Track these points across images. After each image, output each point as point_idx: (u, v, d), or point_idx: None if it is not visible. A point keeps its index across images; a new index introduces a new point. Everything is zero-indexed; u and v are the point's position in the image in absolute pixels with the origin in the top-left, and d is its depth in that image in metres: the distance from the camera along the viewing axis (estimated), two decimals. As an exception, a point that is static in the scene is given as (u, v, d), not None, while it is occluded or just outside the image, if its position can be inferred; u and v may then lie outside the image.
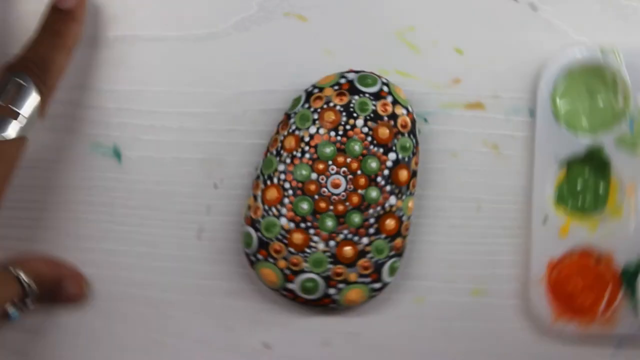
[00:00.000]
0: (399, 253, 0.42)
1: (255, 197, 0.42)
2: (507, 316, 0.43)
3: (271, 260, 0.41)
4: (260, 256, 0.42)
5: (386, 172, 0.41)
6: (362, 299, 0.42)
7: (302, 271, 0.41)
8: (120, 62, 0.44)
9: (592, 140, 0.43)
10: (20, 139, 0.39)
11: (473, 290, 0.43)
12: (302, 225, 0.41)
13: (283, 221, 0.41)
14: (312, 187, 0.41)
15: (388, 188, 0.41)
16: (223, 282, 0.44)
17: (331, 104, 0.42)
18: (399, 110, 0.42)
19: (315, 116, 0.42)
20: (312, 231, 0.41)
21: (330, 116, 0.42)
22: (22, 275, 0.41)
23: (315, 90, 0.42)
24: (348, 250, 0.41)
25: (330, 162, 0.41)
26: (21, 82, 0.39)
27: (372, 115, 0.41)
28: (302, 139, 0.42)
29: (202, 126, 0.44)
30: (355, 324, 0.43)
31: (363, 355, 0.43)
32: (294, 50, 0.44)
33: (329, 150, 0.41)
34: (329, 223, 0.41)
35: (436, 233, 0.43)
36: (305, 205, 0.41)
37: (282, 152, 0.42)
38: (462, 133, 0.44)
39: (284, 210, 0.41)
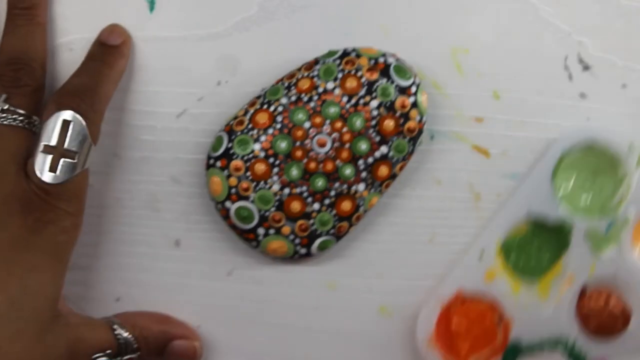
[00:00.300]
0: (338, 236, 0.42)
1: (246, 112, 0.42)
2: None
3: (226, 172, 0.41)
4: (218, 164, 0.42)
5: (370, 159, 0.42)
6: (282, 253, 0.42)
7: (246, 198, 0.41)
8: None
9: (567, 217, 0.42)
10: (82, 173, 0.39)
11: (380, 307, 0.44)
12: (270, 160, 0.41)
13: (256, 146, 0.41)
14: (299, 132, 0.41)
15: (363, 174, 0.42)
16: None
17: (359, 74, 0.42)
18: (414, 114, 0.42)
19: (340, 75, 0.42)
20: (275, 170, 0.41)
21: (352, 82, 0.42)
22: (119, 328, 0.40)
23: (353, 54, 0.42)
24: (295, 204, 0.41)
25: (327, 121, 0.41)
26: (68, 119, 0.39)
27: (388, 104, 0.41)
28: (316, 87, 0.42)
29: (202, 126, 0.43)
30: (265, 274, 0.44)
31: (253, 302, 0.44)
32: (294, 50, 0.44)
33: (332, 110, 0.41)
34: (294, 172, 0.41)
35: (378, 239, 0.44)
36: (283, 144, 0.41)
37: (292, 88, 0.42)
38: (455, 169, 0.44)
39: (262, 138, 0.41)
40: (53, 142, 0.38)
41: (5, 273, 0.37)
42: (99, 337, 0.39)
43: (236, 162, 0.41)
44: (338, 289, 0.44)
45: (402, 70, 0.42)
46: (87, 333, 0.39)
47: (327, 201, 0.42)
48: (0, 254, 0.37)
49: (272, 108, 0.42)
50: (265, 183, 0.41)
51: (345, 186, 0.42)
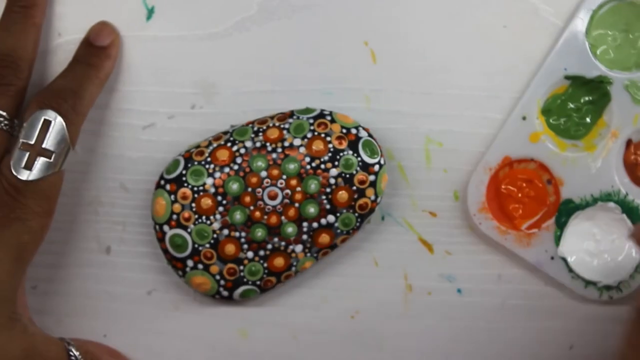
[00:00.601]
0: (263, 289, 0.42)
1: (209, 144, 0.42)
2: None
3: (172, 197, 0.41)
4: (168, 187, 0.41)
5: (315, 224, 0.41)
6: (204, 290, 0.42)
7: (185, 227, 0.41)
8: (120, 62, 0.43)
9: (605, 72, 0.43)
10: (56, 174, 0.39)
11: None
12: (218, 198, 0.41)
13: (209, 181, 0.41)
14: (254, 179, 0.41)
15: (304, 237, 0.42)
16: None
17: (328, 139, 0.41)
18: (370, 193, 0.41)
19: (309, 135, 0.42)
20: (220, 208, 0.41)
21: (319, 145, 0.41)
22: (73, 350, 0.39)
23: (328, 117, 0.42)
24: (230, 247, 0.41)
25: (284, 176, 0.41)
26: (49, 119, 0.39)
27: (347, 176, 0.41)
28: (284, 139, 0.42)
29: (202, 126, 0.43)
30: (183, 303, 0.44)
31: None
32: (294, 50, 0.43)
33: (292, 167, 0.41)
34: (238, 216, 0.41)
35: (297, 301, 0.44)
36: (235, 186, 0.41)
37: (260, 134, 0.42)
38: (396, 255, 0.44)
39: (217, 174, 0.41)
40: (32, 140, 0.39)
41: None
42: (54, 353, 0.39)
43: (185, 190, 0.41)
44: (249, 337, 0.44)
45: (371, 147, 0.42)
46: (43, 346, 0.39)
47: (261, 252, 0.42)
48: None
49: (235, 147, 0.42)
50: (207, 219, 0.41)
51: (283, 243, 0.42)
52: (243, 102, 0.43)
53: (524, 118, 0.43)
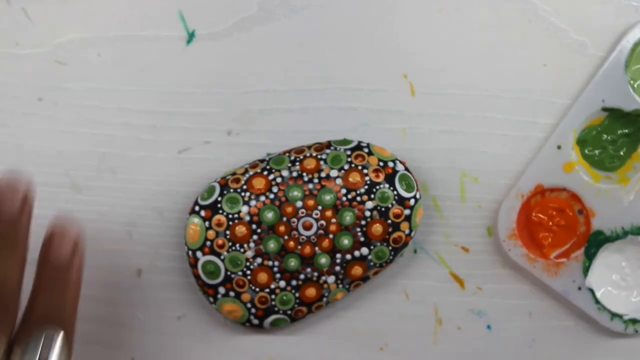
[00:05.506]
0: (294, 318, 0.42)
1: (245, 172, 0.42)
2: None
3: (207, 224, 0.41)
4: (202, 213, 0.41)
5: (348, 256, 0.41)
6: (234, 317, 0.42)
7: (218, 254, 0.41)
8: (120, 62, 0.43)
9: None
10: None
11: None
12: (253, 226, 0.41)
13: (244, 209, 0.41)
14: (289, 209, 0.41)
15: (337, 268, 0.41)
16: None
17: (365, 171, 0.41)
18: (404, 227, 0.41)
19: (346, 167, 0.41)
20: (255, 237, 0.41)
21: (356, 177, 0.41)
22: None
23: (365, 149, 0.42)
24: (263, 276, 0.41)
25: (320, 207, 0.41)
26: (48, 340, 0.37)
27: (383, 209, 0.41)
28: (320, 170, 0.41)
29: (202, 126, 0.43)
30: (212, 330, 0.44)
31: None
32: (294, 50, 0.43)
33: (328, 198, 0.41)
34: (272, 245, 0.41)
35: (328, 330, 0.44)
36: (270, 215, 0.41)
37: (297, 163, 0.42)
38: (427, 290, 0.44)
39: (252, 202, 0.41)
40: None
41: None
42: None
43: (220, 217, 0.41)
44: (277, 366, 0.44)
45: (408, 181, 0.42)
46: None
47: (294, 282, 0.42)
48: None
49: (271, 176, 0.42)
50: (241, 246, 0.41)
51: (316, 274, 0.42)
52: (243, 102, 0.43)
53: (559, 147, 0.43)
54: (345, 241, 0.41)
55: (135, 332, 0.44)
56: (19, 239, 0.37)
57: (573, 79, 0.43)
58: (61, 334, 0.37)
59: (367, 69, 0.43)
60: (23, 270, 0.38)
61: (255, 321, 0.42)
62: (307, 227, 0.41)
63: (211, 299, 0.42)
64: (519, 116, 0.43)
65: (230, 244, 0.41)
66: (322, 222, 0.41)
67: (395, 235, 0.42)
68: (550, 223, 0.43)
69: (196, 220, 0.42)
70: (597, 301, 0.43)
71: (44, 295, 0.38)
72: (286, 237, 0.41)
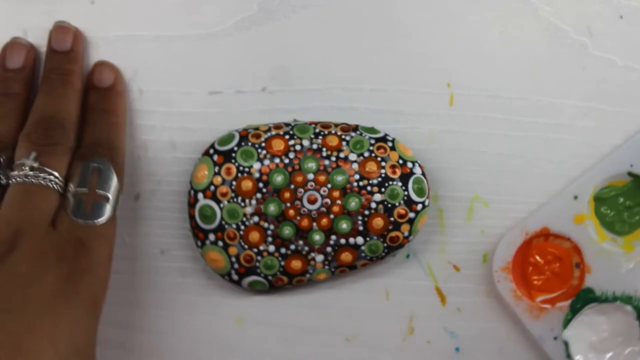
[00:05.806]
0: (273, 285, 0.42)
1: (268, 130, 0.42)
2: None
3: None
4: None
5: (342, 240, 0.41)
6: (217, 264, 0.42)
7: (221, 202, 0.41)
8: (120, 62, 0.43)
9: None
10: (112, 220, 0.40)
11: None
12: (259, 185, 0.41)
13: (256, 165, 0.41)
14: (300, 178, 0.41)
15: (328, 249, 0.41)
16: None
17: (383, 164, 0.41)
18: (405, 228, 0.41)
19: (366, 154, 0.41)
20: (257, 198, 0.41)
21: (372, 167, 0.41)
22: None
23: (389, 143, 0.42)
24: (254, 235, 0.41)
25: (329, 185, 0.41)
26: (99, 166, 0.40)
27: (389, 206, 0.41)
28: (340, 150, 0.41)
29: (202, 126, 0.43)
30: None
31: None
32: (294, 50, 0.43)
33: (340, 179, 0.41)
34: (272, 208, 0.41)
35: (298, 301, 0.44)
36: (279, 178, 0.41)
37: (319, 137, 0.42)
38: (407, 296, 0.44)
39: (266, 161, 0.41)
40: (85, 187, 0.39)
41: (52, 327, 0.36)
42: None
43: (231, 166, 0.41)
44: (243, 327, 0.44)
45: (421, 185, 0.42)
46: None
47: (283, 250, 0.41)
48: (44, 307, 0.36)
49: (291, 142, 0.42)
50: (243, 201, 0.41)
51: (306, 248, 0.41)
52: (243, 102, 0.43)
53: (575, 197, 0.43)
54: (344, 225, 0.41)
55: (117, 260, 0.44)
56: (74, 70, 0.42)
57: (573, 79, 0.43)
58: (107, 165, 0.40)
59: (367, 69, 0.43)
60: (80, 100, 0.42)
61: (235, 277, 0.42)
62: (312, 201, 0.41)
63: (199, 243, 0.42)
64: (519, 116, 0.43)
65: (233, 194, 0.41)
66: (327, 200, 0.41)
67: (393, 234, 0.42)
68: (546, 267, 0.43)
69: (207, 162, 0.42)
70: (568, 355, 0.43)
71: (95, 125, 0.42)
72: (288, 205, 0.41)
